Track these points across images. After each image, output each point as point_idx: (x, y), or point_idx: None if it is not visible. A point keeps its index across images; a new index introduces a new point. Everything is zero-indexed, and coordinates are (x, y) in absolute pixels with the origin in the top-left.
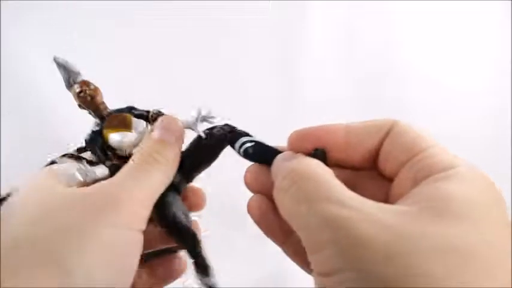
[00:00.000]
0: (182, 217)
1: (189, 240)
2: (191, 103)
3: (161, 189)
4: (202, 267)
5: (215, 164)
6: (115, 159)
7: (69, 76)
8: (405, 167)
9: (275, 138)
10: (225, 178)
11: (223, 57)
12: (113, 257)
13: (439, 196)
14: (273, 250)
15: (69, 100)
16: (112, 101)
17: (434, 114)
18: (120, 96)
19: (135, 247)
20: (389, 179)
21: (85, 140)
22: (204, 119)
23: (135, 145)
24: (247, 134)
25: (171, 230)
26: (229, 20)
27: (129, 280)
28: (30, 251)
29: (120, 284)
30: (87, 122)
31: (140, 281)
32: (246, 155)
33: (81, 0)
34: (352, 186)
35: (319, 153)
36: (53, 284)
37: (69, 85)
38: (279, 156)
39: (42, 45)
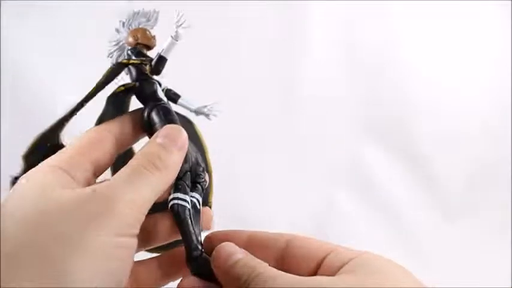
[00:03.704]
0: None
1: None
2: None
3: (156, 196)
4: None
5: (215, 165)
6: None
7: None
8: (321, 268)
9: (275, 138)
10: (225, 179)
11: (223, 57)
12: (108, 261)
13: (363, 263)
14: None
15: (69, 100)
16: None
17: (434, 114)
18: None
19: (129, 251)
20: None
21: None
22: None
23: None
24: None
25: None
26: (229, 20)
27: (124, 281)
28: (29, 258)
29: (114, 285)
30: (87, 123)
31: (146, 275)
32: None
33: (81, 1)
34: None
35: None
36: None
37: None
38: (216, 253)
39: (43, 45)
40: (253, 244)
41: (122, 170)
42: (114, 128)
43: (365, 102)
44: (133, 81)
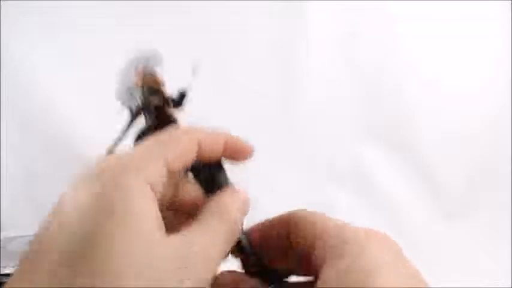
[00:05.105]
0: None
1: None
2: (191, 102)
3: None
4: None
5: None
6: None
7: None
8: (313, 253)
9: (275, 138)
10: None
11: (223, 57)
12: None
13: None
14: None
15: (69, 100)
16: (110, 98)
17: (434, 114)
18: None
19: None
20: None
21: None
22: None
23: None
24: None
25: None
26: (229, 20)
27: None
28: None
29: None
30: (86, 121)
31: None
32: None
33: (81, 1)
34: None
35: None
36: None
37: None
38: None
39: (42, 45)
40: (266, 235)
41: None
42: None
43: (365, 102)
44: (152, 123)
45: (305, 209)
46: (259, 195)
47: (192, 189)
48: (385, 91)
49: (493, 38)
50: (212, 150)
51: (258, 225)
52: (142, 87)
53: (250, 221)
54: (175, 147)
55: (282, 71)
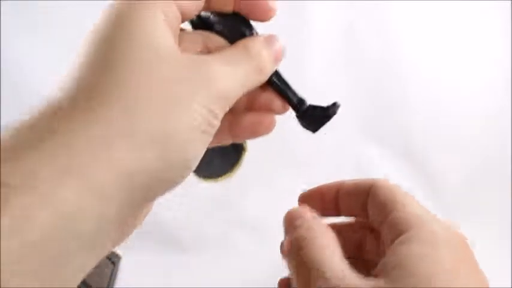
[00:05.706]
0: None
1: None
2: None
3: (241, 92)
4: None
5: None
6: None
7: None
8: (383, 226)
9: (275, 138)
10: (226, 180)
11: None
12: (198, 132)
13: (398, 264)
14: (273, 247)
15: None
16: None
17: (434, 114)
18: None
19: (214, 127)
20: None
21: None
22: None
23: None
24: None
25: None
26: None
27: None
28: (144, 106)
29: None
30: None
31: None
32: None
33: (81, 0)
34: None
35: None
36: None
37: None
38: (288, 214)
39: (42, 45)
40: (342, 194)
41: (228, 56)
42: None
43: (365, 102)
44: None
45: (387, 180)
46: (260, 195)
47: (220, 43)
48: (385, 91)
49: (493, 38)
50: None
51: (338, 182)
52: None
53: (252, 218)
54: None
55: (281, 70)
